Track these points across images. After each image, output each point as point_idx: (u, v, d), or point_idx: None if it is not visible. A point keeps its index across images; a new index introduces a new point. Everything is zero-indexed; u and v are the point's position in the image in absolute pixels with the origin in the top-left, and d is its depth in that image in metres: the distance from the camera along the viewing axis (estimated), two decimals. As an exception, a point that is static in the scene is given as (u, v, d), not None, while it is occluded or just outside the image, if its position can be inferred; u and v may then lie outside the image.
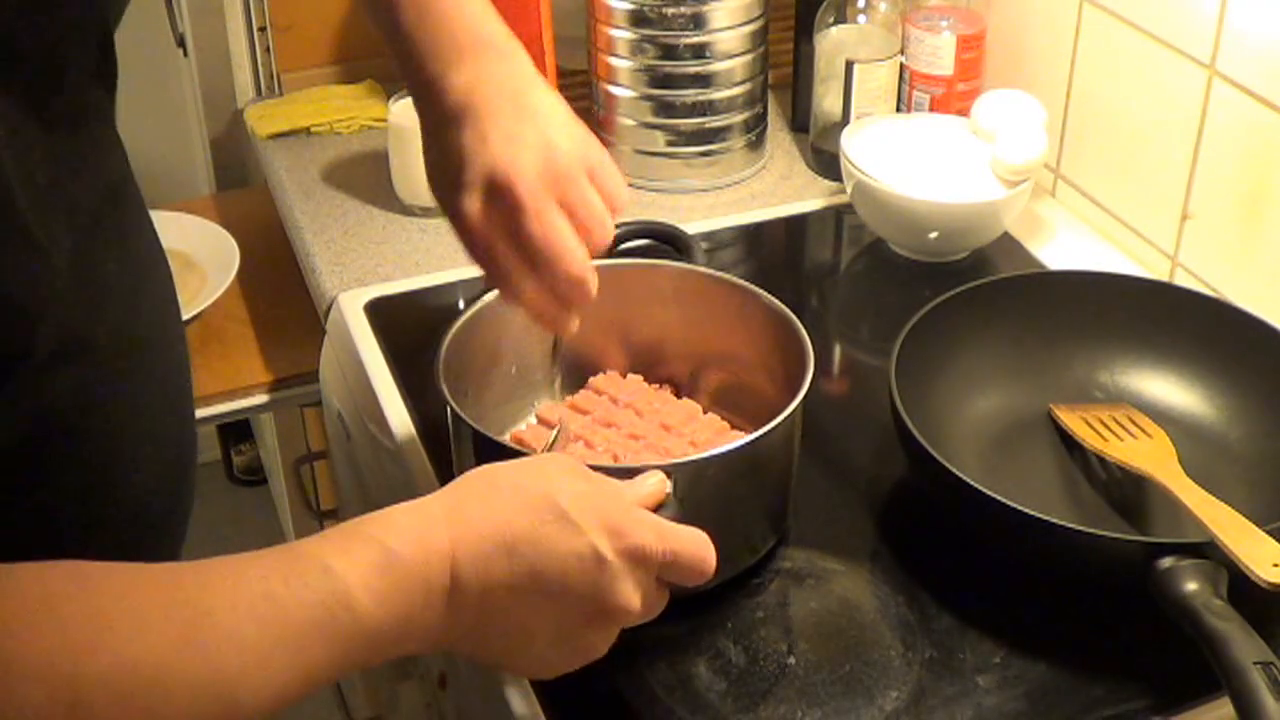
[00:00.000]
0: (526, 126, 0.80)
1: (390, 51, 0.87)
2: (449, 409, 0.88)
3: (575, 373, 1.01)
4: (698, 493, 0.83)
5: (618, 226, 0.96)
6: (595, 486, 0.71)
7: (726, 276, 0.99)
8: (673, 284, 1.01)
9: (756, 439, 0.85)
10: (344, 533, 0.64)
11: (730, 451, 0.85)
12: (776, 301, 0.95)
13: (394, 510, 0.66)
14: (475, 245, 0.81)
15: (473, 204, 0.79)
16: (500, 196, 0.78)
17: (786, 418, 0.86)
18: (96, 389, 0.71)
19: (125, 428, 0.74)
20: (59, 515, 0.71)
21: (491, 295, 0.94)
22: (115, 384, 0.73)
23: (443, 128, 0.83)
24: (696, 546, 0.73)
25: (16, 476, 0.68)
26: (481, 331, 0.95)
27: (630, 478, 0.78)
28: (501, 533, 0.66)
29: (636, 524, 0.70)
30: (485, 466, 0.72)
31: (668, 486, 0.78)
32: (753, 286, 0.97)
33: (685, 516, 0.79)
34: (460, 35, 0.84)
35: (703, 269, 1.02)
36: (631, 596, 0.70)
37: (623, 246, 1.07)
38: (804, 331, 0.92)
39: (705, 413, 0.99)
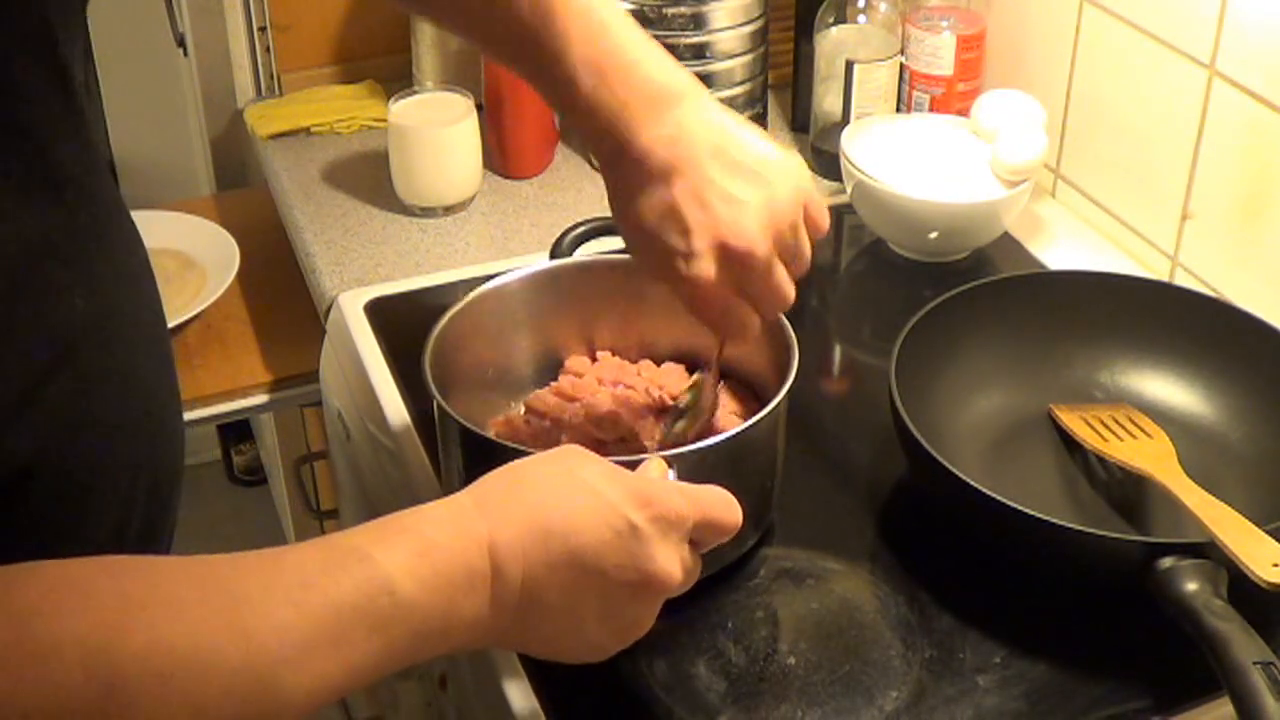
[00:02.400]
0: (742, 182, 0.80)
1: (570, 121, 0.85)
2: (435, 403, 0.88)
3: (547, 370, 1.01)
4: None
5: (591, 222, 0.96)
6: (615, 465, 0.72)
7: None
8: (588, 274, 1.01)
9: (741, 431, 0.86)
10: (378, 525, 0.64)
11: (716, 444, 0.85)
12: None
13: (425, 505, 0.66)
14: (702, 302, 0.83)
15: (705, 270, 0.80)
16: (732, 262, 0.80)
17: (770, 411, 0.87)
18: (63, 427, 0.69)
19: (93, 466, 0.71)
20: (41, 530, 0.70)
21: (477, 291, 0.95)
22: (82, 423, 0.69)
23: (644, 188, 0.81)
24: (723, 503, 0.74)
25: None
26: (469, 326, 0.95)
27: (633, 468, 0.78)
28: (534, 517, 0.66)
29: (663, 490, 0.70)
30: (505, 465, 0.72)
31: (670, 473, 0.79)
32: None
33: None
34: (648, 89, 0.81)
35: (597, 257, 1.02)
36: (670, 562, 0.70)
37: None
38: (789, 326, 0.92)
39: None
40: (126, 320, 0.74)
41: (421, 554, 0.62)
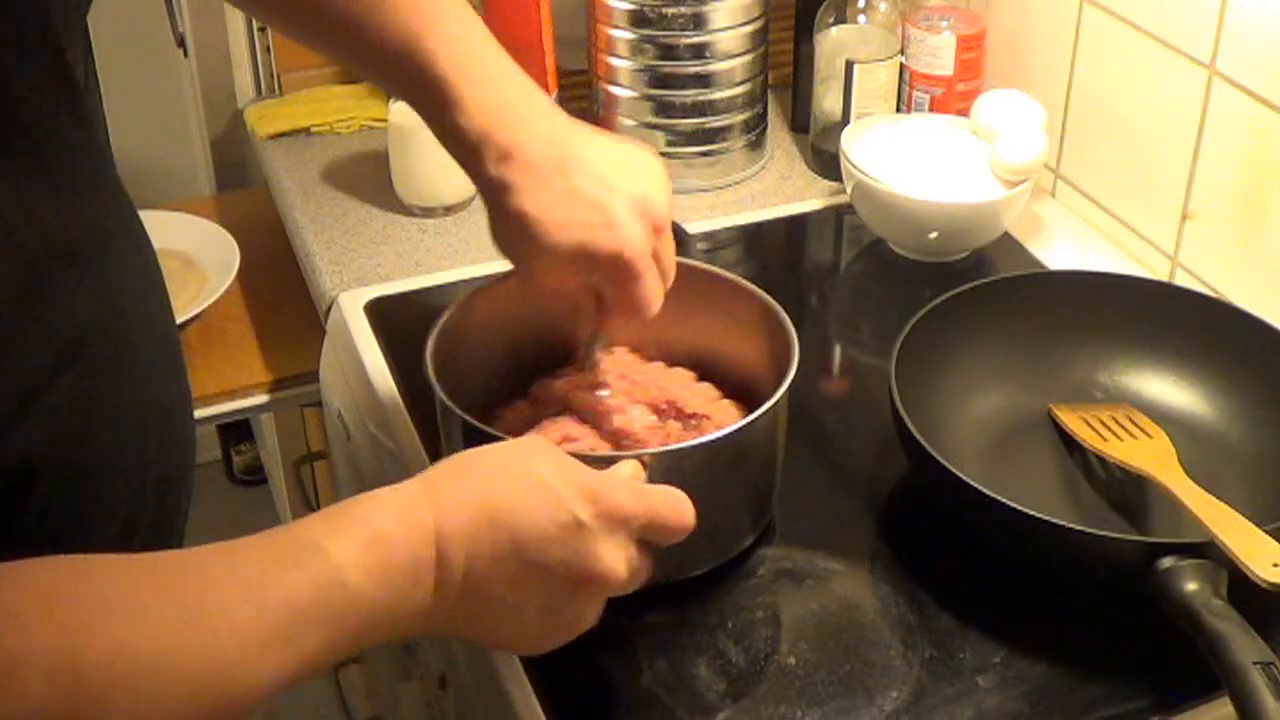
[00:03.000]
0: (611, 183, 0.83)
1: (449, 129, 0.86)
2: (437, 398, 0.88)
3: (553, 364, 1.01)
4: (679, 482, 0.83)
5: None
6: (570, 460, 0.73)
7: (713, 269, 1.00)
8: None
9: (740, 429, 0.86)
10: (332, 514, 0.65)
11: (713, 441, 0.86)
12: (764, 294, 0.96)
13: (378, 491, 0.67)
14: (559, 298, 0.88)
15: (564, 275, 0.84)
16: (605, 267, 0.83)
17: (769, 409, 0.87)
18: (70, 430, 0.69)
19: (101, 467, 0.72)
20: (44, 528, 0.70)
21: (480, 287, 0.96)
22: (90, 424, 0.71)
23: (503, 195, 0.84)
24: (673, 502, 0.75)
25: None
26: (471, 322, 0.95)
27: (608, 465, 0.79)
28: (480, 504, 0.67)
29: (612, 487, 0.71)
30: (462, 452, 0.73)
31: (643, 474, 0.79)
32: (740, 279, 0.98)
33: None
34: (523, 94, 0.86)
35: (689, 261, 1.02)
36: (614, 561, 0.71)
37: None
38: (789, 324, 0.92)
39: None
40: (136, 319, 0.75)
41: (371, 545, 0.63)
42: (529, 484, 0.69)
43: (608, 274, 0.83)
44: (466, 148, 0.84)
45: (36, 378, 0.66)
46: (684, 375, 0.99)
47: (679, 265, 1.00)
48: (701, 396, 0.98)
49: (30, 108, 0.65)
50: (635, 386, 0.97)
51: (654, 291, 0.85)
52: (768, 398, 0.88)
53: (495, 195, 0.84)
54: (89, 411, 0.70)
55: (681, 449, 0.86)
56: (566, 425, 0.93)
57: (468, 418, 0.86)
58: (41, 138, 0.66)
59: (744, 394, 0.98)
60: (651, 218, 0.84)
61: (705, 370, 1.00)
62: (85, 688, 0.53)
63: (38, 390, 0.66)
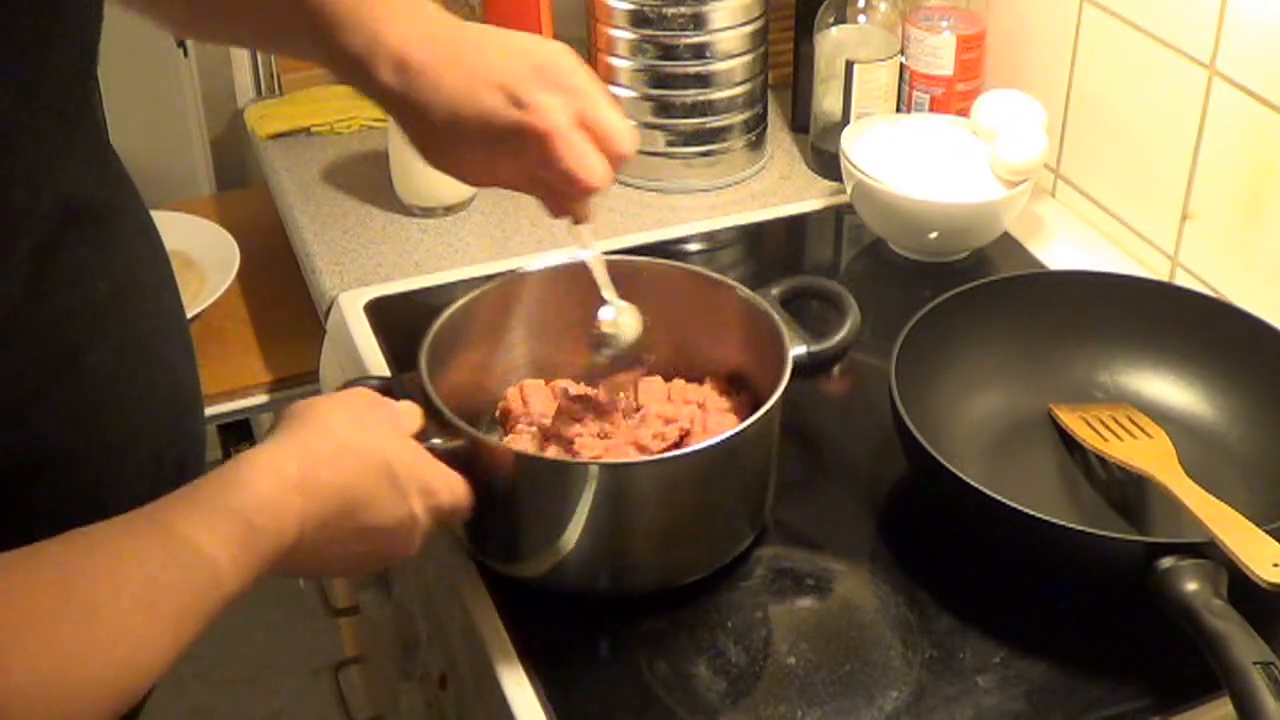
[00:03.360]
0: (505, 65, 0.82)
1: (306, 42, 0.86)
2: (427, 395, 0.88)
3: (549, 369, 1.01)
4: (676, 485, 0.86)
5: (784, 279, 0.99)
6: (409, 443, 0.81)
7: (707, 272, 1.00)
8: (654, 281, 1.01)
9: (731, 437, 0.86)
10: (210, 505, 0.68)
11: (709, 447, 0.86)
12: (756, 298, 0.96)
13: (253, 476, 0.71)
14: (497, 184, 0.90)
15: (493, 168, 0.85)
16: (529, 149, 0.81)
17: (761, 417, 0.87)
18: (83, 413, 0.73)
19: (114, 450, 0.76)
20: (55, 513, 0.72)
21: (475, 292, 0.96)
22: (103, 407, 0.74)
23: (405, 101, 0.84)
24: (465, 501, 0.84)
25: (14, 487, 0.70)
26: (465, 327, 0.96)
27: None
28: (345, 498, 0.75)
29: (442, 486, 0.81)
30: (324, 408, 0.78)
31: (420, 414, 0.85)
32: (734, 283, 0.98)
33: (666, 508, 0.86)
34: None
35: (683, 265, 1.02)
36: (418, 543, 0.81)
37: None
38: (783, 329, 0.92)
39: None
40: (149, 304, 0.80)
41: (245, 544, 0.68)
42: (386, 479, 0.77)
43: (534, 155, 0.81)
44: (356, 65, 0.83)
45: (55, 360, 0.70)
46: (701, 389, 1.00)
47: (672, 268, 1.01)
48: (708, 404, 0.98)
49: (64, 90, 0.70)
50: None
51: (587, 160, 0.80)
52: (762, 398, 0.88)
53: (398, 105, 0.84)
54: (105, 394, 0.73)
55: (674, 457, 0.87)
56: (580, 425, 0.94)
57: (463, 424, 0.86)
58: (70, 117, 0.71)
59: (742, 392, 0.98)
60: (561, 86, 0.82)
61: (695, 368, 1.01)
62: (5, 716, 0.55)
63: (57, 373, 0.70)
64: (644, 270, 1.00)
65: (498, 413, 0.99)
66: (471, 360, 0.97)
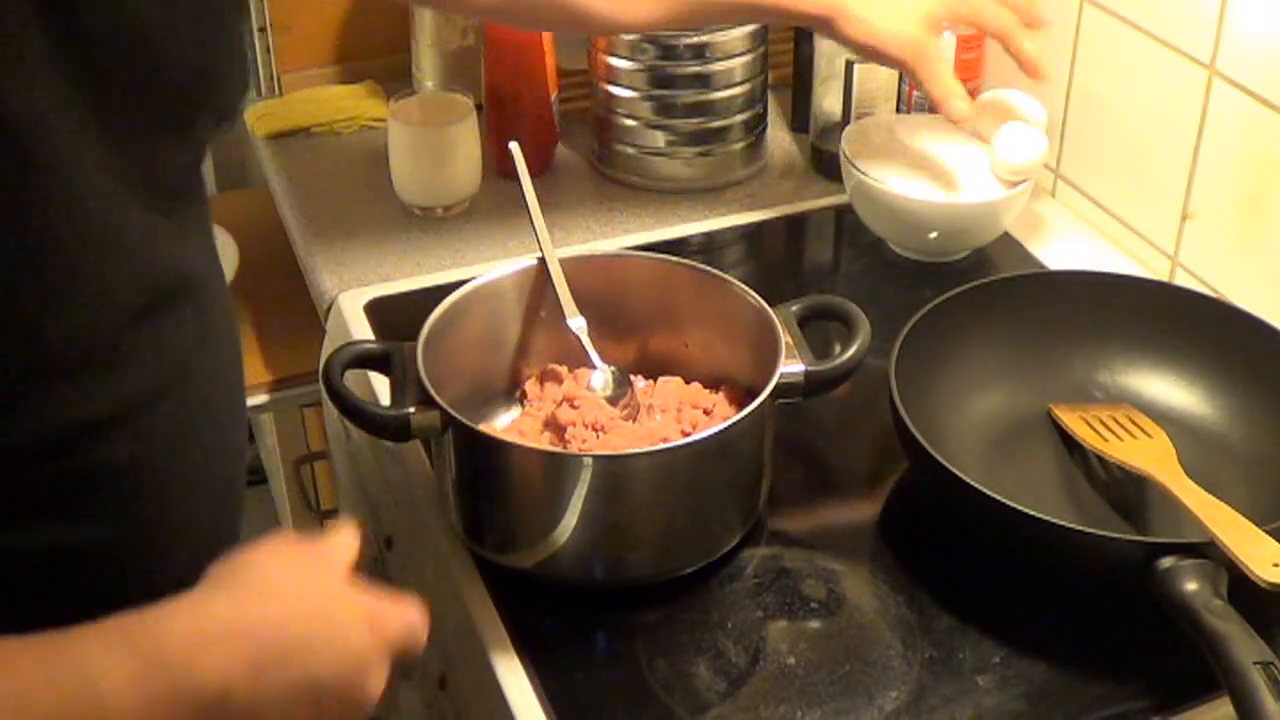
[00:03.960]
0: None
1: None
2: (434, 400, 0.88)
3: (545, 358, 1.02)
4: (668, 479, 0.87)
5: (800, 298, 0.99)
6: (343, 580, 0.72)
7: (702, 267, 1.01)
8: (649, 275, 1.02)
9: (723, 430, 0.87)
10: (118, 629, 0.63)
11: (694, 443, 0.87)
12: (752, 293, 0.96)
13: (176, 609, 0.66)
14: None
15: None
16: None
17: (753, 411, 0.87)
18: (146, 461, 0.73)
19: (167, 494, 0.76)
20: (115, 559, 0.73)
21: (468, 286, 0.98)
22: (167, 458, 0.74)
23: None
24: (420, 623, 0.75)
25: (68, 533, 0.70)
26: (463, 322, 0.97)
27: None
28: (280, 641, 0.67)
29: (389, 613, 0.72)
30: (255, 556, 0.71)
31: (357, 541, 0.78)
32: (729, 278, 0.98)
33: (658, 501, 0.86)
34: None
35: (683, 261, 1.02)
36: (380, 684, 0.72)
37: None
38: (780, 335, 0.92)
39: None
40: (224, 361, 0.81)
41: (146, 680, 0.62)
42: (322, 617, 0.69)
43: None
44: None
45: (139, 395, 0.71)
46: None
47: (664, 262, 1.02)
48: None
49: (182, 171, 0.75)
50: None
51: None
52: (763, 385, 0.89)
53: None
54: (176, 440, 0.74)
55: (664, 450, 0.87)
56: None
57: (458, 415, 0.86)
58: (181, 192, 0.76)
59: (736, 392, 0.98)
60: None
61: (689, 363, 1.02)
62: None
63: (137, 407, 0.71)
64: (636, 264, 1.02)
65: (519, 393, 1.00)
66: (491, 339, 0.99)
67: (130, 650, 0.62)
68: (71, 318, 0.67)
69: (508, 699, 0.84)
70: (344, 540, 0.75)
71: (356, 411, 0.90)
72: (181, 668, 0.63)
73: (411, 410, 0.87)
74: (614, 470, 0.87)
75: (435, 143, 1.32)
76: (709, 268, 1.00)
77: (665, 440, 0.92)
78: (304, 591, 0.70)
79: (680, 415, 0.97)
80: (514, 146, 1.05)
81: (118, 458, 0.71)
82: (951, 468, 0.88)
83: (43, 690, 0.59)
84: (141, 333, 0.70)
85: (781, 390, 0.90)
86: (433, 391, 0.87)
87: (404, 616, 0.73)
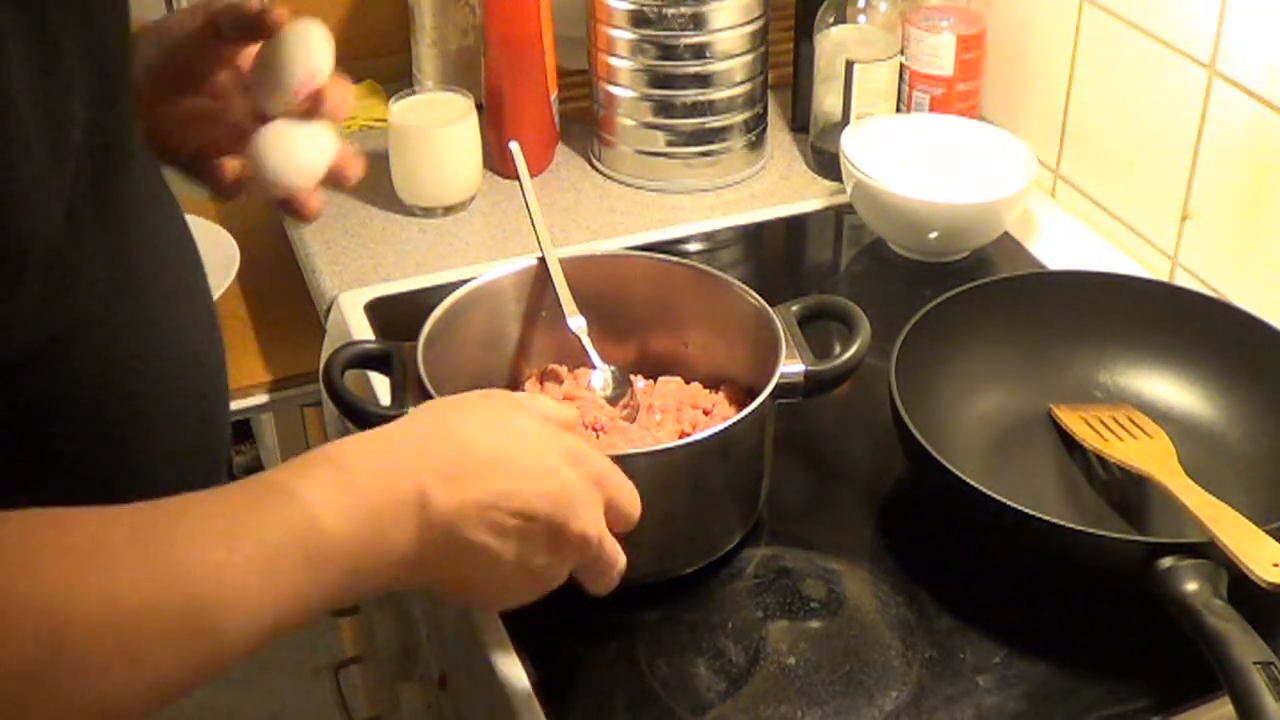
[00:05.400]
0: None
1: None
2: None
3: (545, 358, 1.03)
4: (663, 480, 0.86)
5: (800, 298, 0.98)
6: (551, 422, 0.73)
7: (702, 267, 1.01)
8: (649, 275, 1.02)
9: (725, 429, 0.87)
10: (306, 457, 0.65)
11: (694, 442, 0.87)
12: (752, 293, 0.96)
13: (356, 436, 0.67)
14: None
15: None
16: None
17: (753, 410, 0.87)
18: (113, 374, 0.71)
19: (144, 417, 0.74)
20: (75, 499, 0.71)
21: (470, 285, 0.98)
22: (137, 371, 0.73)
23: None
24: (630, 493, 0.75)
25: (31, 453, 0.68)
26: (464, 321, 0.97)
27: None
28: (472, 453, 0.68)
29: (594, 453, 0.73)
30: (446, 399, 0.73)
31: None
32: (729, 278, 0.98)
33: (658, 501, 0.83)
34: None
35: (684, 261, 1.03)
36: (589, 521, 0.71)
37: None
38: (781, 336, 0.92)
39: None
40: (179, 270, 0.79)
41: (344, 487, 0.63)
42: (516, 437, 0.70)
43: None
44: None
45: (90, 309, 0.67)
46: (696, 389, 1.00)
47: (663, 262, 1.03)
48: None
49: (112, 53, 0.69)
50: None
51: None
52: (764, 385, 0.89)
53: None
54: (135, 354, 0.71)
55: (664, 450, 0.87)
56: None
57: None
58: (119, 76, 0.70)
59: (736, 391, 0.98)
60: None
61: (689, 363, 1.02)
62: (67, 637, 0.53)
63: (91, 322, 0.68)
64: (673, 273, 1.02)
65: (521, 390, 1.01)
66: (491, 338, 0.99)
67: (326, 466, 0.63)
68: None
69: (508, 699, 0.84)
70: (562, 404, 0.77)
71: (357, 412, 0.90)
72: (377, 474, 0.64)
73: (411, 410, 0.87)
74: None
75: (435, 143, 1.32)
76: (708, 268, 1.01)
77: (660, 442, 0.92)
78: (499, 422, 0.70)
79: (680, 415, 0.97)
80: (514, 146, 1.05)
81: (74, 366, 0.68)
82: (952, 468, 0.88)
83: (251, 518, 0.60)
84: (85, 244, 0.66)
85: (781, 390, 0.90)
86: (434, 393, 0.87)
87: (605, 460, 0.73)
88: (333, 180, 0.85)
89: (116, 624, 0.55)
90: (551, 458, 0.70)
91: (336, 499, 0.62)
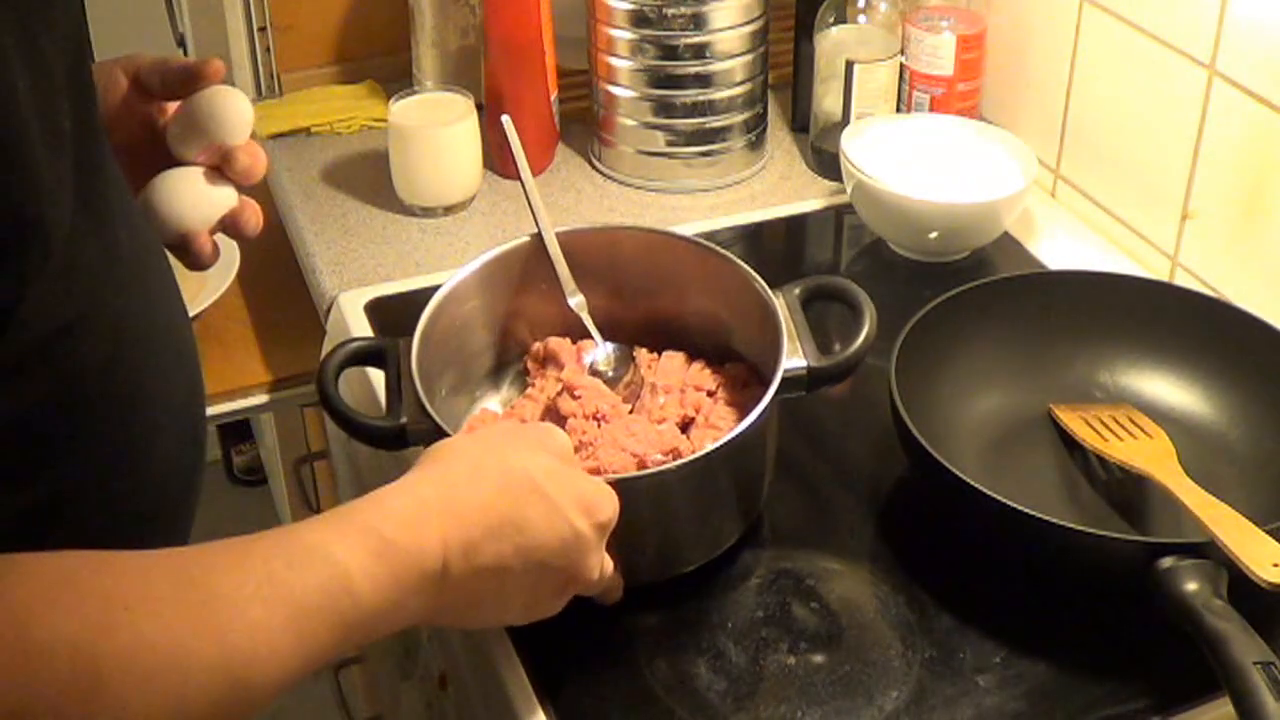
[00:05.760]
0: None
1: None
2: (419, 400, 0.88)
3: (546, 332, 1.03)
4: (669, 493, 0.87)
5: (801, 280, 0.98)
6: (560, 461, 0.76)
7: (704, 243, 1.01)
8: (648, 248, 1.02)
9: (729, 441, 0.86)
10: (341, 519, 0.67)
11: (699, 459, 0.86)
12: (771, 297, 0.96)
13: (387, 495, 0.69)
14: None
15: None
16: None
17: (758, 416, 0.87)
18: (116, 360, 0.71)
19: (144, 402, 0.74)
20: (79, 493, 0.71)
21: (464, 272, 0.98)
22: (135, 357, 0.73)
23: None
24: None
25: (35, 448, 0.69)
26: (460, 303, 0.97)
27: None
28: (489, 518, 0.71)
29: (603, 498, 0.76)
30: (459, 442, 0.76)
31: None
32: (755, 275, 0.98)
33: (660, 508, 0.86)
34: None
35: (697, 239, 1.02)
36: (596, 565, 0.77)
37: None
38: (784, 336, 0.92)
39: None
40: (161, 301, 0.77)
41: (379, 556, 0.65)
42: (534, 495, 0.73)
43: None
44: None
45: (92, 295, 0.68)
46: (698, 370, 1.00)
47: (670, 239, 1.03)
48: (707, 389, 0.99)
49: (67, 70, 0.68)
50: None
51: None
52: (767, 371, 0.89)
53: None
54: (136, 338, 0.71)
55: (666, 470, 0.86)
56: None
57: (450, 431, 0.86)
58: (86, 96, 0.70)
59: (759, 385, 0.98)
60: None
61: (723, 353, 1.01)
62: (105, 681, 0.54)
63: (93, 309, 0.68)
64: (672, 247, 1.02)
65: (521, 366, 1.01)
66: (490, 316, 0.99)
67: (362, 533, 0.65)
68: None
69: (508, 699, 0.84)
70: (558, 430, 0.80)
71: (352, 423, 0.89)
72: (406, 545, 0.66)
73: (405, 421, 0.87)
74: (616, 490, 0.86)
75: (435, 143, 1.32)
76: (710, 244, 1.00)
77: (663, 436, 0.92)
78: (512, 469, 0.73)
79: (684, 399, 0.96)
80: (506, 120, 1.03)
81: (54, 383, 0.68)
82: (952, 468, 0.88)
83: (290, 577, 0.61)
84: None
85: (784, 385, 0.90)
86: (424, 399, 0.86)
87: (615, 504, 0.77)
88: (230, 230, 0.89)
89: (154, 669, 0.56)
90: (565, 507, 0.74)
91: (372, 568, 0.65)
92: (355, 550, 0.64)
